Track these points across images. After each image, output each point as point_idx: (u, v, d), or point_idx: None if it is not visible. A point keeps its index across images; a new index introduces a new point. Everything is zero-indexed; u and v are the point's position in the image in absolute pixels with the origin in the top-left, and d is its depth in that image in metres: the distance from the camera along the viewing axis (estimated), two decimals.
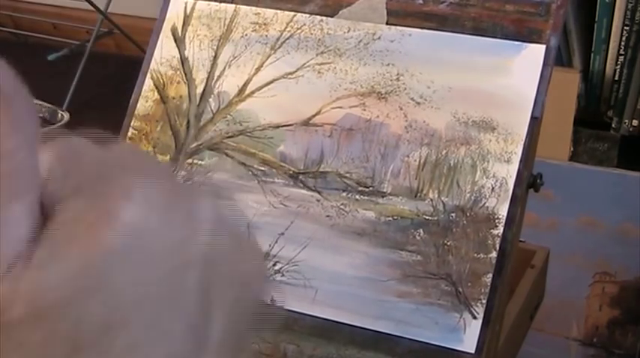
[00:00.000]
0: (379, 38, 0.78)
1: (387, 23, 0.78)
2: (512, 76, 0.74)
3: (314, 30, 0.80)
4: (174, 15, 0.85)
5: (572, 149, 1.42)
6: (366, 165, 0.75)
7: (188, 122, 0.82)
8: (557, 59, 0.76)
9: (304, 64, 0.79)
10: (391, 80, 0.77)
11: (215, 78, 0.82)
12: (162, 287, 0.21)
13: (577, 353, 1.19)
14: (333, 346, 0.71)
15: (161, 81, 0.83)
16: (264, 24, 0.82)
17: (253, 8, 0.82)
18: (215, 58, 0.82)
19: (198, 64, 0.83)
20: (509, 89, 0.73)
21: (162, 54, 0.84)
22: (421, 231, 0.72)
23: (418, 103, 0.75)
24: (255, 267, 0.26)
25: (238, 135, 0.80)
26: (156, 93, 0.83)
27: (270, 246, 0.75)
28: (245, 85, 0.81)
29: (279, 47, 0.81)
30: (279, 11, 0.81)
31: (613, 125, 1.51)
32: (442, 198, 0.73)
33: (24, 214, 0.20)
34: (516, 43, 0.74)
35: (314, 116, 0.78)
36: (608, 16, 1.46)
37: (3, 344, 0.19)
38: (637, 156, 1.41)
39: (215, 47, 0.82)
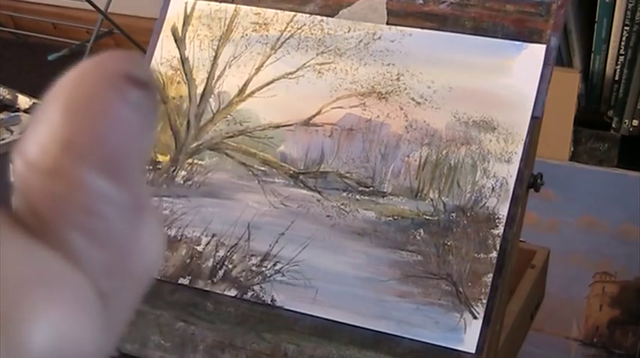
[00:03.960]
0: (379, 38, 0.78)
1: (387, 23, 0.78)
2: (513, 76, 0.74)
3: (314, 30, 0.80)
4: (174, 15, 0.85)
5: (572, 149, 1.42)
6: (366, 165, 0.75)
7: (188, 122, 0.82)
8: (557, 59, 0.76)
9: (304, 64, 0.79)
10: (391, 80, 0.77)
11: (215, 78, 0.82)
12: None
13: (577, 353, 1.19)
14: (333, 346, 0.71)
15: (161, 81, 0.83)
16: (265, 24, 0.82)
17: (253, 8, 0.82)
18: (215, 57, 0.82)
19: (198, 64, 0.83)
20: (510, 89, 0.73)
21: (163, 54, 0.84)
22: (422, 231, 0.72)
23: (418, 103, 0.75)
24: None
25: (238, 135, 0.80)
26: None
27: (270, 246, 0.75)
28: (245, 84, 0.81)
29: (279, 47, 0.81)
30: (279, 11, 0.81)
31: (613, 125, 1.51)
32: (442, 198, 0.73)
33: None
34: (517, 42, 0.74)
35: (314, 116, 0.78)
36: (608, 16, 1.46)
37: None
38: (637, 156, 1.41)
39: (215, 47, 0.82)
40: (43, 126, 0.18)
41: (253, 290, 0.75)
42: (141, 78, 0.19)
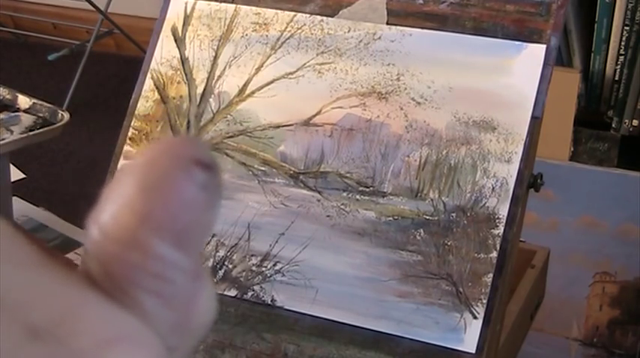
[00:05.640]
0: (379, 38, 0.78)
1: (387, 23, 0.78)
2: (513, 76, 0.74)
3: (314, 30, 0.80)
4: (174, 15, 0.85)
5: (572, 149, 1.42)
6: (366, 165, 0.75)
7: (188, 122, 0.82)
8: (557, 59, 0.76)
9: (304, 64, 0.79)
10: (391, 80, 0.77)
11: (215, 78, 0.82)
12: None
13: (577, 353, 1.19)
14: (333, 346, 0.71)
15: (161, 81, 0.83)
16: (265, 24, 0.82)
17: (254, 8, 0.82)
18: (215, 58, 0.82)
19: (198, 64, 0.83)
20: (510, 89, 0.73)
21: (163, 54, 0.84)
22: (422, 231, 0.72)
23: (419, 103, 0.75)
24: None
25: (239, 135, 0.80)
26: (156, 93, 0.83)
27: (270, 246, 0.75)
28: (245, 84, 0.81)
29: (279, 47, 0.81)
30: (279, 11, 0.81)
31: (613, 125, 1.51)
32: (443, 198, 0.73)
33: None
34: (517, 42, 0.74)
35: (314, 116, 0.78)
36: (608, 16, 1.46)
37: None
38: (637, 156, 1.41)
39: (215, 47, 0.82)
40: (118, 200, 0.21)
41: (253, 290, 0.75)
42: (206, 161, 0.21)
